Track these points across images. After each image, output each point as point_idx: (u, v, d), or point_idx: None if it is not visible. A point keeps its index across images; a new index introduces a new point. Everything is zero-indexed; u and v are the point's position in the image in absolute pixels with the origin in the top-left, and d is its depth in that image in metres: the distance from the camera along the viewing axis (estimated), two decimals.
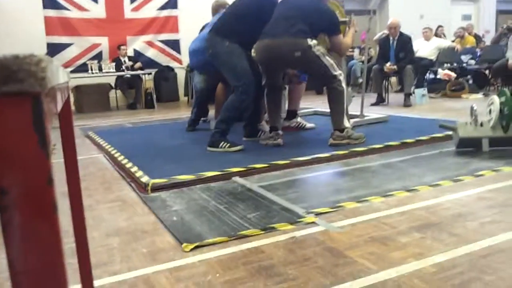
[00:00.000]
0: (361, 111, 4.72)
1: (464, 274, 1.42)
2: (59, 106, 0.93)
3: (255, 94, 3.68)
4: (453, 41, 8.73)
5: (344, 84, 3.56)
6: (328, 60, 3.46)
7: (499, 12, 13.06)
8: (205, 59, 3.92)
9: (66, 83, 1.23)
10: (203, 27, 4.91)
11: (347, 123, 3.59)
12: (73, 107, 7.99)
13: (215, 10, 4.87)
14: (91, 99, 8.05)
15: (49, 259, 0.38)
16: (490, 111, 3.09)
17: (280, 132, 3.69)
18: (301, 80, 4.43)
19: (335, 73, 3.48)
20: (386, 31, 6.70)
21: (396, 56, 6.53)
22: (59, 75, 0.73)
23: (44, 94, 0.42)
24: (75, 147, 1.54)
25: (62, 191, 1.86)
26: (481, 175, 2.54)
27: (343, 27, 3.93)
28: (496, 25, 12.59)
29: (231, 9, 3.83)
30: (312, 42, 3.38)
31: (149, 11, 8.96)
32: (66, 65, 8.16)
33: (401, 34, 6.56)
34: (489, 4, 12.78)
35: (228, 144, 3.51)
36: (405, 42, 6.53)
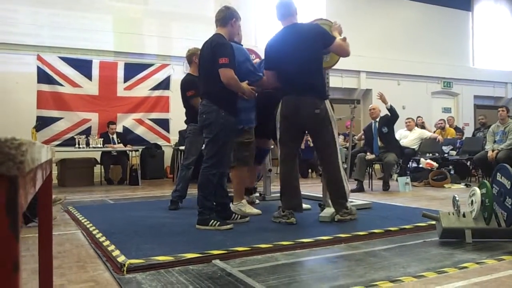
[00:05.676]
0: None
1: None
2: (39, 184, 0.91)
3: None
4: (434, 132, 9.05)
5: (342, 168, 3.83)
6: (335, 131, 3.80)
7: (476, 107, 13.78)
8: None
9: (49, 160, 1.21)
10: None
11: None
12: (55, 181, 7.92)
13: (189, 61, 4.92)
14: (75, 173, 7.98)
15: None
16: (472, 202, 3.12)
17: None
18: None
19: (337, 149, 3.79)
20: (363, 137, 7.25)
21: (380, 133, 6.76)
22: (42, 155, 0.71)
23: (21, 178, 0.41)
24: (51, 226, 1.49)
25: (33, 268, 1.78)
26: (465, 267, 2.50)
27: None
28: (475, 118, 13.18)
29: (203, 72, 3.70)
30: (327, 105, 3.77)
31: (142, 91, 9.13)
32: (53, 139, 8.18)
33: (382, 116, 6.86)
34: (467, 99, 13.47)
35: (218, 223, 3.46)
36: (386, 119, 6.81)
